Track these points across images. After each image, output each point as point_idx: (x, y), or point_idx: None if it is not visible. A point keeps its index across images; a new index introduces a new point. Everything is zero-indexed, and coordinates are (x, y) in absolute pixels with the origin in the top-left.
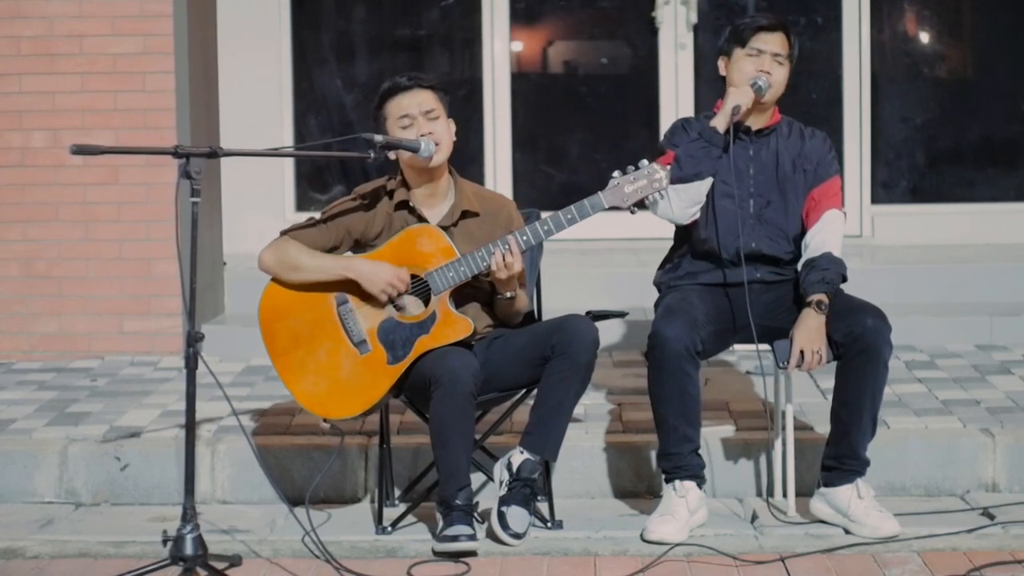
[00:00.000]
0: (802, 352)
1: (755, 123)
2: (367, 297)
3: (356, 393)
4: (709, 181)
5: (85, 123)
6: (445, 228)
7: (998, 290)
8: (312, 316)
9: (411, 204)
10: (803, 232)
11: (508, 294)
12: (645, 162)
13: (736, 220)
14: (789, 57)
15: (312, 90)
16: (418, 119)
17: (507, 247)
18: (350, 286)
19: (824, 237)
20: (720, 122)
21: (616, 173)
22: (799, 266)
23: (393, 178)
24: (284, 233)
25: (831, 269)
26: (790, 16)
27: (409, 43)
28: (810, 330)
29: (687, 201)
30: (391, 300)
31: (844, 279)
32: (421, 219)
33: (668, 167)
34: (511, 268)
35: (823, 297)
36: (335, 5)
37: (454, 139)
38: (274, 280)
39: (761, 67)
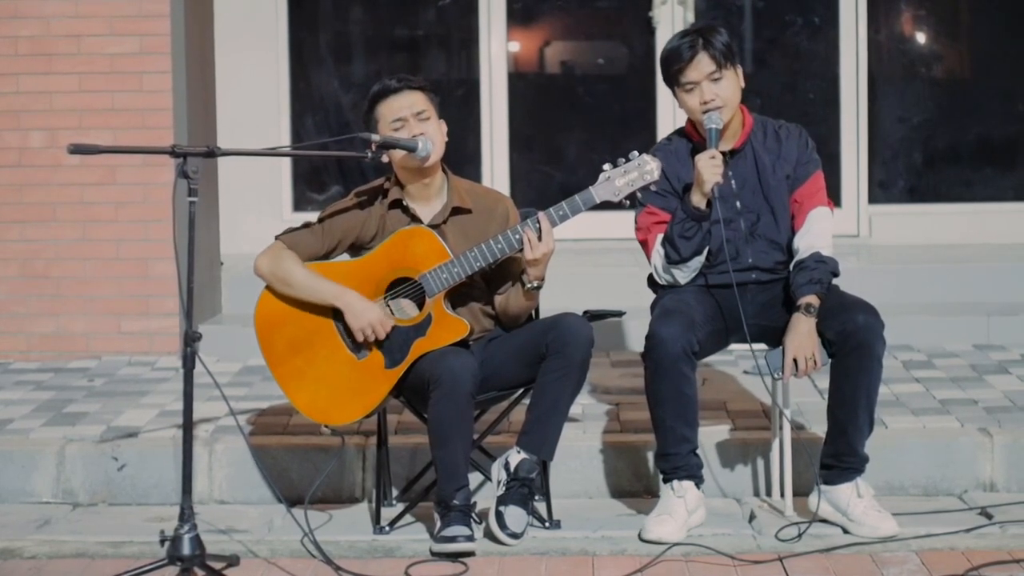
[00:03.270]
0: (795, 360)
1: (727, 143)
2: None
3: (355, 399)
4: (706, 250)
5: (82, 123)
6: (436, 226)
7: (996, 290)
8: (308, 323)
9: (404, 203)
10: (794, 234)
11: (536, 283)
12: (635, 153)
13: (730, 244)
14: (723, 66)
15: (309, 90)
16: (410, 121)
17: (537, 224)
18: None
19: (811, 239)
20: (700, 200)
21: (607, 166)
22: (790, 267)
23: (388, 179)
24: (279, 238)
25: (819, 269)
26: (787, 16)
27: (406, 43)
28: (801, 336)
29: (688, 272)
30: (363, 343)
31: (835, 275)
32: (415, 218)
33: (659, 161)
34: (545, 246)
35: (812, 300)
36: (332, 5)
37: (446, 139)
38: (268, 288)
39: (703, 98)
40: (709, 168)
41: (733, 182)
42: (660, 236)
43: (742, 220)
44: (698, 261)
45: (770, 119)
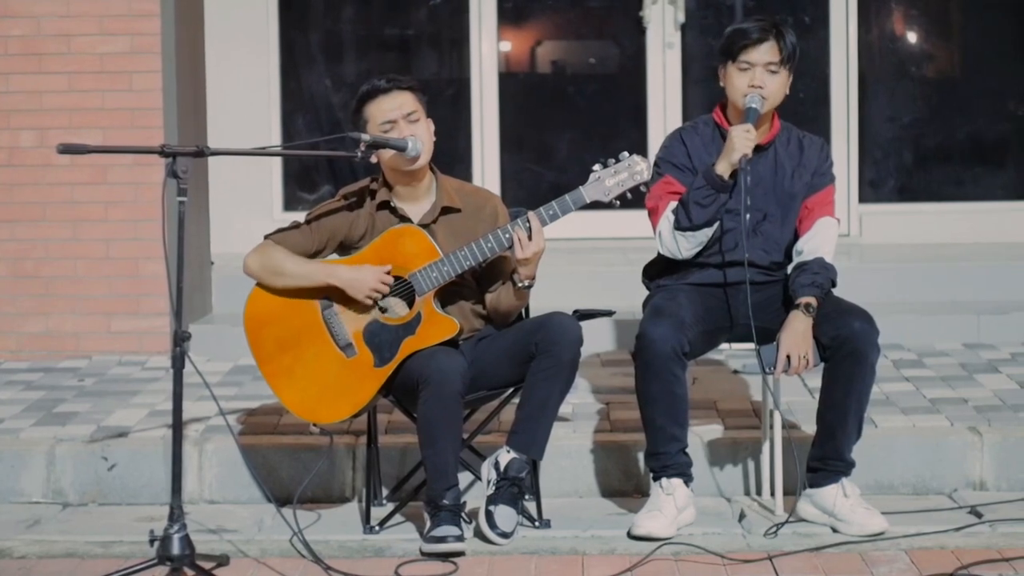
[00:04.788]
0: (788, 357)
1: (756, 138)
2: (351, 300)
3: (344, 397)
4: (716, 223)
5: (73, 122)
6: (426, 226)
7: (986, 289)
8: (297, 321)
9: (392, 204)
10: (796, 239)
11: (527, 282)
12: (626, 154)
13: (730, 234)
14: (783, 62)
15: (300, 90)
16: (399, 122)
17: (527, 224)
18: (334, 290)
19: (817, 244)
20: (724, 168)
21: (596, 166)
22: (789, 268)
23: (376, 179)
24: (268, 237)
25: (821, 273)
26: (778, 15)
27: (397, 43)
28: (796, 334)
29: (694, 243)
30: (377, 303)
31: (834, 284)
32: (403, 219)
33: (649, 162)
34: (535, 244)
35: (811, 300)
36: (323, 5)
37: (434, 139)
38: (258, 285)
39: (752, 81)
40: (742, 138)
41: (748, 178)
42: (672, 203)
43: (748, 216)
44: (705, 234)
45: (795, 127)
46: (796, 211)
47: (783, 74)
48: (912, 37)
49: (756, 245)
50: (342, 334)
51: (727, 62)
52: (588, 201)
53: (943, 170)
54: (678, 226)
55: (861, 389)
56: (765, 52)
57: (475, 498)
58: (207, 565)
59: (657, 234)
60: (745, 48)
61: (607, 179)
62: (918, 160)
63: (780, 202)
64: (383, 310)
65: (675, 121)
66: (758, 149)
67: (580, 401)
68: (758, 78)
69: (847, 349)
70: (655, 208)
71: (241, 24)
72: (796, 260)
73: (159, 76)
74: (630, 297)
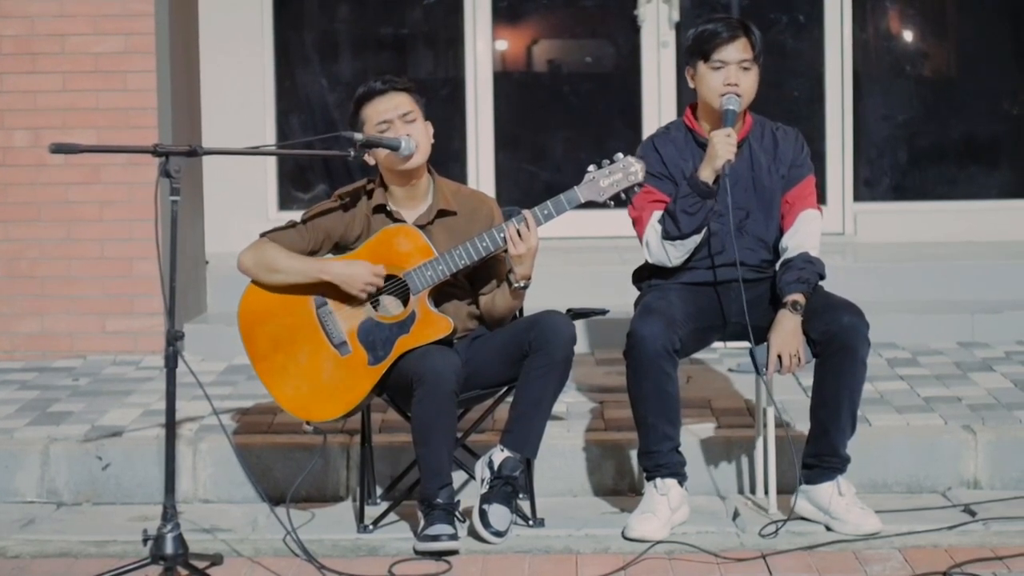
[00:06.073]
0: (779, 357)
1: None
2: (346, 298)
3: (338, 395)
4: (705, 230)
5: (67, 122)
6: (421, 227)
7: (980, 287)
8: (291, 319)
9: (388, 207)
10: (781, 235)
11: (523, 282)
12: (620, 155)
13: (716, 237)
14: (755, 59)
15: (295, 90)
16: (395, 122)
17: (523, 221)
18: (328, 288)
19: (800, 239)
20: (708, 175)
21: (591, 167)
22: (777, 266)
23: (373, 180)
24: (263, 236)
25: (807, 269)
26: (772, 15)
27: (392, 43)
28: (786, 333)
29: (683, 251)
30: (372, 298)
31: (822, 277)
32: (398, 222)
33: (643, 160)
34: (528, 241)
35: (799, 297)
36: (318, 5)
37: (432, 141)
38: (253, 282)
39: (728, 80)
40: (724, 144)
41: (728, 179)
42: (656, 213)
43: (731, 216)
44: (693, 241)
45: (768, 120)
46: (778, 206)
47: (755, 71)
48: (907, 36)
49: (743, 244)
50: (336, 332)
51: (698, 62)
52: (582, 201)
53: (937, 169)
54: (667, 236)
55: (852, 384)
56: (737, 49)
57: (469, 497)
58: (201, 564)
59: (644, 244)
60: (718, 47)
61: (601, 180)
62: (912, 159)
63: (760, 198)
64: (378, 308)
65: (669, 119)
66: None
67: (574, 400)
68: (733, 76)
69: (837, 344)
70: (639, 218)
71: (236, 23)
72: (782, 257)
73: (153, 76)
74: (624, 296)
